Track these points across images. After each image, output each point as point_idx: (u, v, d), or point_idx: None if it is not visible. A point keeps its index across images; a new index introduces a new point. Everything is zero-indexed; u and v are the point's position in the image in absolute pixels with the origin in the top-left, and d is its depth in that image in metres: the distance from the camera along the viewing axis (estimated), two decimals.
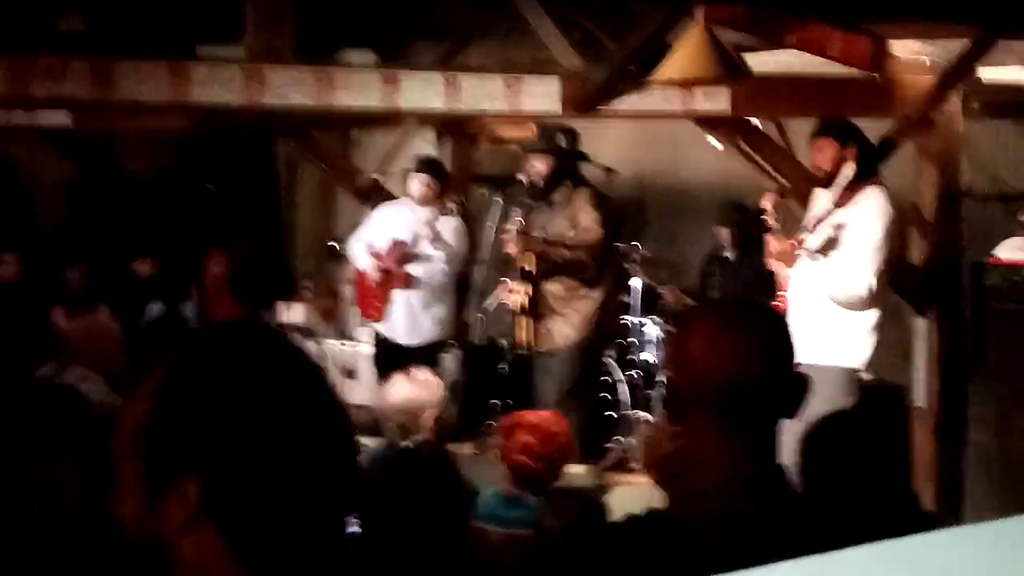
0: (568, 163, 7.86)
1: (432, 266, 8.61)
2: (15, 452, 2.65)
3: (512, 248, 7.73)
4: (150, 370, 1.61)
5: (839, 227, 6.43)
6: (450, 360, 9.73)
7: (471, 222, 10.08)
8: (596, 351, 8.08)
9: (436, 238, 8.48)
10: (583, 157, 8.14)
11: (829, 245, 6.44)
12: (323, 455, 1.57)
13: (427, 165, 8.83)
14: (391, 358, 8.46)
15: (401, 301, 8.66)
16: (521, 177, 8.04)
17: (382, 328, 8.77)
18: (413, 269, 8.62)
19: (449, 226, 8.64)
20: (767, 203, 6.57)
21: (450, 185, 9.18)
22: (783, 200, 6.86)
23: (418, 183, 8.68)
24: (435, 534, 4.04)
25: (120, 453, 1.57)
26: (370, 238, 8.87)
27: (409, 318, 8.67)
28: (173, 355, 1.61)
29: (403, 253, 8.59)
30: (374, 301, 8.80)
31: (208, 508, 1.50)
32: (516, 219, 7.79)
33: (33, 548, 2.59)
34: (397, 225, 8.74)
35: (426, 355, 8.34)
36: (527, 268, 7.76)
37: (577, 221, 7.70)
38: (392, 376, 5.50)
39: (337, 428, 1.61)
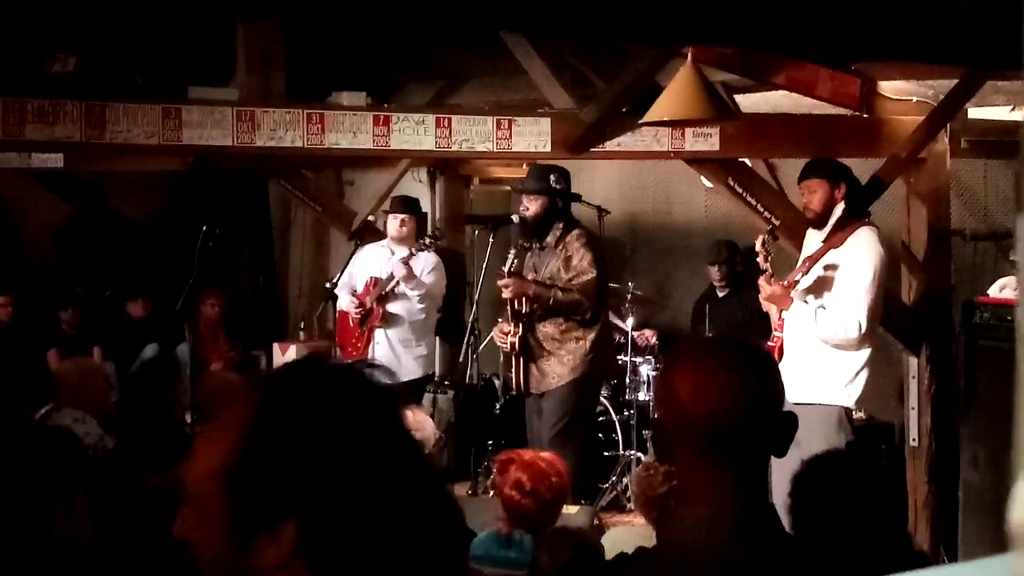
0: (560, 204, 7.85)
1: (409, 304, 8.67)
2: (18, 497, 2.63)
3: (507, 292, 7.71)
4: (233, 405, 1.58)
5: (830, 268, 6.45)
6: (444, 400, 9.73)
7: (461, 261, 10.10)
8: (590, 391, 8.06)
9: (410, 275, 8.54)
10: (575, 198, 8.13)
11: (821, 286, 6.46)
12: (414, 494, 1.56)
13: (401, 204, 8.91)
14: None
15: (381, 340, 8.71)
16: (514, 217, 8.05)
17: None
18: (391, 307, 8.68)
19: (424, 263, 8.70)
20: (759, 244, 6.58)
21: (426, 222, 9.24)
22: (776, 241, 6.86)
23: (393, 222, 8.79)
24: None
25: (201, 491, 1.53)
26: (351, 278, 8.99)
27: (390, 357, 8.70)
28: (264, 391, 1.57)
29: (380, 292, 8.67)
30: (354, 341, 8.84)
31: (304, 549, 1.48)
32: (510, 260, 7.78)
33: None
34: (376, 264, 8.85)
35: (410, 393, 8.36)
36: (520, 309, 7.74)
37: (571, 263, 7.69)
38: None
39: (421, 466, 1.59)
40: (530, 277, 7.84)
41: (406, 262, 8.52)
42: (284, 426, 1.50)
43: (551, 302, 7.61)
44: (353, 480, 1.48)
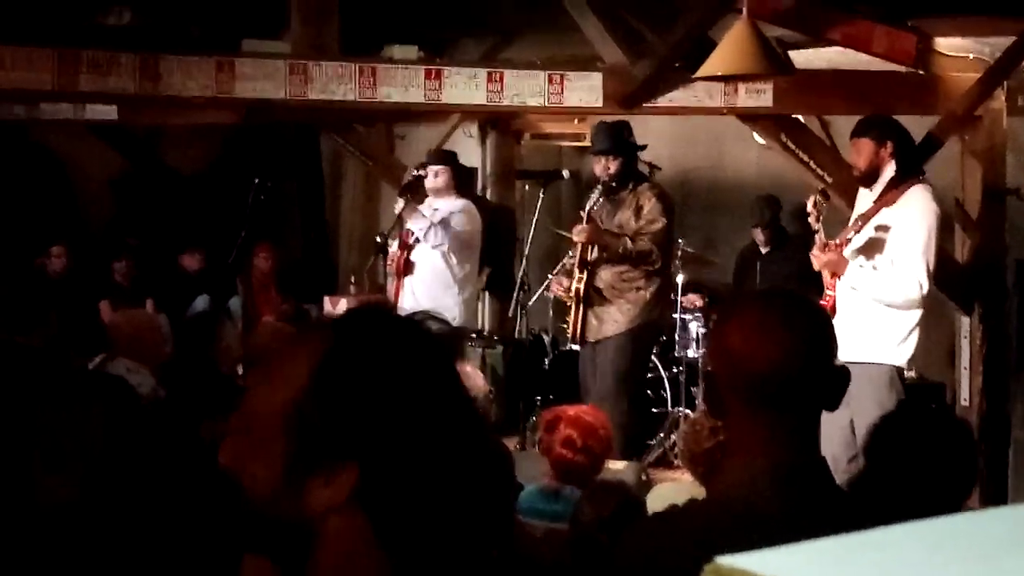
0: (634, 161, 7.93)
1: (431, 253, 8.45)
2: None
3: (580, 236, 7.70)
4: (298, 343, 1.58)
5: (883, 228, 6.36)
6: (492, 355, 9.75)
7: (511, 217, 10.08)
8: (647, 343, 8.06)
9: (411, 212, 8.29)
10: (642, 149, 8.17)
11: (874, 246, 6.38)
12: (466, 443, 1.56)
13: (433, 155, 8.76)
14: None
15: (408, 291, 8.58)
16: (564, 173, 8.03)
17: None
18: (413, 256, 8.54)
19: (449, 209, 8.52)
20: (810, 205, 6.51)
21: (472, 175, 9.07)
22: (827, 201, 6.79)
23: (430, 174, 8.59)
24: (485, 528, 4.07)
25: (263, 424, 1.52)
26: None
27: (414, 308, 8.56)
28: (335, 332, 1.57)
29: (404, 242, 8.54)
30: (393, 292, 8.75)
31: (361, 494, 1.48)
32: (591, 202, 7.77)
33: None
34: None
35: None
36: (586, 257, 7.76)
37: (642, 212, 7.71)
38: None
39: (474, 416, 1.59)
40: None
41: (406, 201, 8.28)
42: (354, 369, 1.50)
43: (621, 251, 7.63)
44: (413, 428, 1.48)
